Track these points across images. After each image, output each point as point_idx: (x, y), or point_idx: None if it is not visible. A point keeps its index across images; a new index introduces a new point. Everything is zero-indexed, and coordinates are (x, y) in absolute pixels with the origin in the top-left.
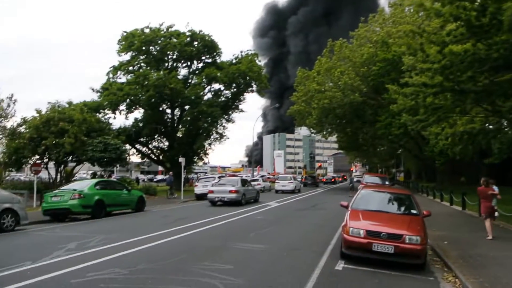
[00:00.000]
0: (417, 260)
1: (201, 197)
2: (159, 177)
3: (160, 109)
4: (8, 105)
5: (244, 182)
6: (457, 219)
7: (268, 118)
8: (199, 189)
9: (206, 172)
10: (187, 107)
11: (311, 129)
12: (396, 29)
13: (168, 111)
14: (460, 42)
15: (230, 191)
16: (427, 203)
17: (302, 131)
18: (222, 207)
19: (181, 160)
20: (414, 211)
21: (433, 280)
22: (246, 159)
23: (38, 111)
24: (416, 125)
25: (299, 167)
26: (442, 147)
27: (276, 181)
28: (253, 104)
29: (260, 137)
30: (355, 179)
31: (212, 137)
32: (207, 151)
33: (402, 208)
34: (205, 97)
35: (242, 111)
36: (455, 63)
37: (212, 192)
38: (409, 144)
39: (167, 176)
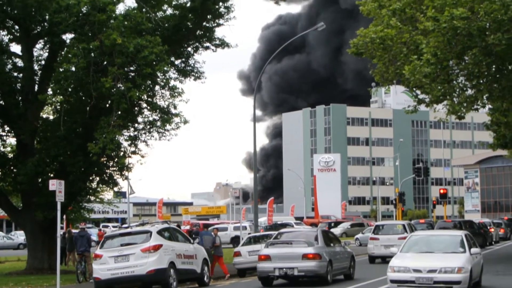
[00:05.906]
0: None
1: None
2: None
3: None
4: None
5: (327, 237)
6: None
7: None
8: (104, 266)
9: (123, 222)
10: (68, 36)
11: (417, 92)
12: None
13: (16, 49)
14: None
15: (305, 256)
16: None
17: (391, 100)
18: None
19: (55, 186)
20: None
21: None
22: (232, 180)
23: None
24: None
25: (392, 202)
26: None
27: (371, 236)
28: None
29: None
30: None
31: (141, 120)
32: (127, 163)
33: None
34: (119, 9)
35: (223, 44)
36: None
37: (266, 258)
38: None
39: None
